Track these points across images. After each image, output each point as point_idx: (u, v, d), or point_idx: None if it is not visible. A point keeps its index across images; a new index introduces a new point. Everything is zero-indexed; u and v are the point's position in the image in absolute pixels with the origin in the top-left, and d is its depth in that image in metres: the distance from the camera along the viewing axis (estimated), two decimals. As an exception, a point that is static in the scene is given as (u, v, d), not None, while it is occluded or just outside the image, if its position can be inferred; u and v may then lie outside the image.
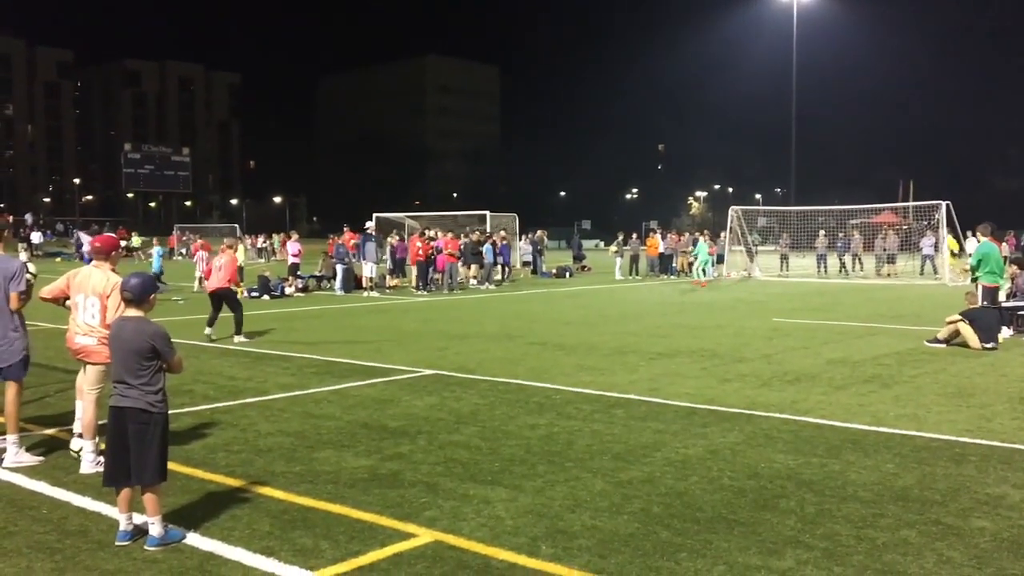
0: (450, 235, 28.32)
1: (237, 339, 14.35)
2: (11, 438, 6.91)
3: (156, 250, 30.40)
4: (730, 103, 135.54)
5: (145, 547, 5.09)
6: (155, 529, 5.16)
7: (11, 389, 6.93)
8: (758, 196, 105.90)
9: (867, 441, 7.62)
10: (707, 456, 7.10)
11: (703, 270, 29.68)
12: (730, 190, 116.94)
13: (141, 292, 5.43)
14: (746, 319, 18.16)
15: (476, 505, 5.87)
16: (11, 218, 59.29)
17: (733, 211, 35.38)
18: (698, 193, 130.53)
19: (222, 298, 14.63)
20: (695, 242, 34.84)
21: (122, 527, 5.23)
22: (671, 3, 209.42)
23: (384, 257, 26.51)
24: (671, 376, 11.05)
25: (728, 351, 13.27)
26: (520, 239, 37.90)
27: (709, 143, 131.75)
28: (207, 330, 14.56)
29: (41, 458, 7.02)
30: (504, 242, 30.41)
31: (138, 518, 5.30)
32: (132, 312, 5.45)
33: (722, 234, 35.51)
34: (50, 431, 7.98)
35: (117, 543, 5.16)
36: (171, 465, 6.65)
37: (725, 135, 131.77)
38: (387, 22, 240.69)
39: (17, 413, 6.98)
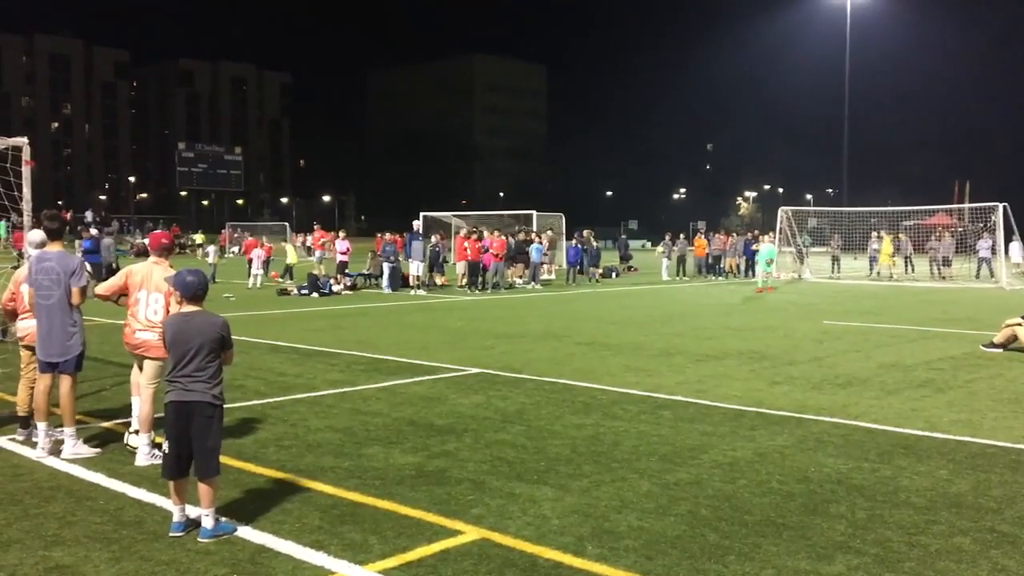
0: (497, 234, 28.37)
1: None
2: (68, 430, 7.09)
3: (211, 249, 31.29)
4: (781, 101, 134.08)
5: (199, 539, 5.20)
6: (208, 521, 5.26)
7: (66, 383, 7.11)
8: (809, 196, 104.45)
9: (920, 446, 7.49)
10: (755, 459, 7.04)
11: (766, 274, 28.67)
12: (780, 190, 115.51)
13: (198, 288, 5.53)
14: (796, 321, 17.94)
15: (522, 504, 5.89)
16: (69, 215, 60.72)
17: (783, 212, 34.95)
18: (747, 193, 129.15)
19: None
20: (746, 244, 34.42)
21: (176, 518, 5.35)
22: (723, 3, 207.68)
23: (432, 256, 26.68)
24: (719, 378, 10.96)
25: (777, 353, 13.13)
26: (569, 239, 37.78)
27: (759, 142, 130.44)
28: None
29: (98, 450, 7.19)
30: (576, 243, 30.32)
31: (190, 510, 5.40)
32: (192, 307, 5.53)
33: (771, 234, 35.07)
34: (106, 424, 8.17)
35: (171, 534, 5.28)
36: (223, 459, 6.79)
37: (775, 134, 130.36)
38: (436, 21, 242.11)
39: (73, 406, 7.15)
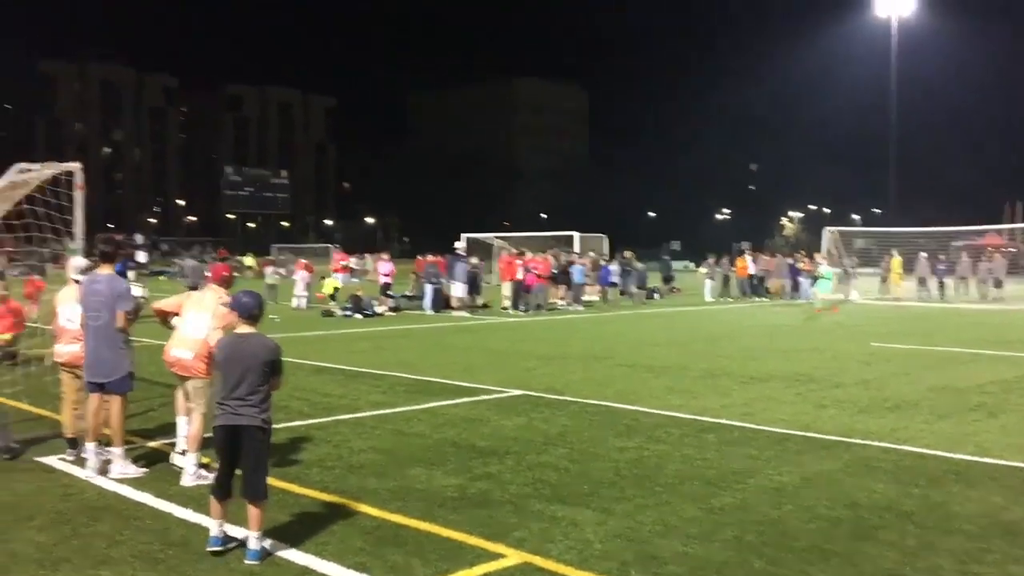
0: (540, 255, 28.36)
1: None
2: (117, 450, 7.20)
3: (269, 269, 32.10)
4: (826, 120, 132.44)
5: (245, 560, 5.23)
6: (256, 543, 5.28)
7: (115, 403, 7.22)
8: (856, 216, 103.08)
9: (972, 472, 7.31)
10: (802, 484, 6.92)
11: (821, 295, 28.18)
12: (826, 210, 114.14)
13: (255, 308, 5.60)
14: (843, 343, 17.66)
15: (564, 527, 5.85)
16: (119, 239, 61.94)
17: (829, 232, 34.51)
18: (792, 213, 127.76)
19: None
20: (791, 265, 34.02)
21: (214, 533, 5.38)
22: (762, 20, 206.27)
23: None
24: (765, 401, 10.82)
25: (824, 376, 12.93)
26: (611, 260, 37.67)
27: (804, 162, 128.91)
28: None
29: (145, 470, 7.29)
30: (605, 263, 30.25)
31: (237, 530, 5.44)
32: (247, 328, 5.57)
33: (816, 255, 34.62)
34: (154, 444, 8.29)
35: (208, 548, 5.32)
36: (269, 479, 6.85)
37: (821, 153, 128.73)
38: (478, 44, 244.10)
39: (122, 426, 7.27)
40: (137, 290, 8.09)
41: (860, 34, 66.39)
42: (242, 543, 5.35)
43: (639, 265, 32.96)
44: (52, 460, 7.64)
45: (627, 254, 34.75)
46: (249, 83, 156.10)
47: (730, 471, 7.32)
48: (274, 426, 8.84)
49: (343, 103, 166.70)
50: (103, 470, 7.14)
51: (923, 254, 34.34)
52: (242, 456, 5.35)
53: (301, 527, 5.84)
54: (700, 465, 7.53)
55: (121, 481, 6.99)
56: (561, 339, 18.84)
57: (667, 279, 37.94)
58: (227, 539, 5.40)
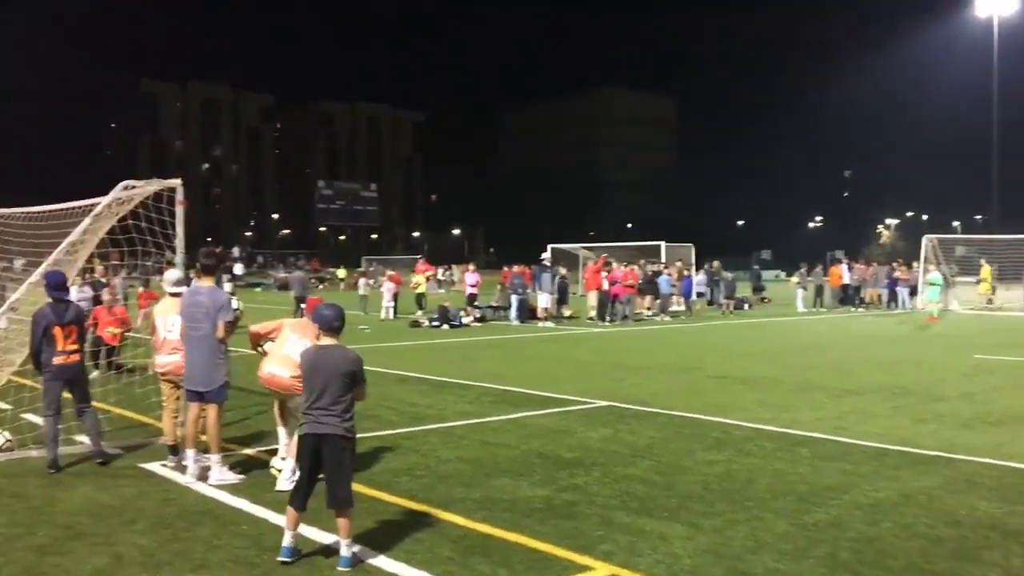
0: (627, 266, 28.19)
1: None
2: (214, 457, 7.43)
3: (362, 281, 32.92)
4: (924, 124, 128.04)
5: (338, 567, 5.32)
6: (347, 551, 5.38)
7: (212, 411, 7.46)
8: (956, 223, 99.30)
9: (1085, 491, 6.95)
10: (900, 501, 6.69)
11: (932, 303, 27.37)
12: (924, 217, 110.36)
13: (335, 320, 5.68)
14: (944, 355, 17.03)
15: (653, 541, 5.78)
16: (218, 251, 64.06)
17: (927, 240, 33.34)
18: (888, 221, 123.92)
19: None
20: (888, 274, 33.05)
21: (287, 543, 5.45)
22: (856, 22, 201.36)
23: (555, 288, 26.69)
24: (860, 414, 10.51)
25: (924, 389, 12.49)
26: (698, 270, 37.19)
27: (900, 167, 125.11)
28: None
29: (242, 476, 7.50)
30: (687, 274, 29.92)
31: (326, 536, 5.55)
32: (329, 340, 5.69)
33: (915, 264, 33.47)
34: (250, 451, 8.53)
35: (280, 559, 5.39)
36: (358, 487, 6.97)
37: (918, 159, 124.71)
38: (564, 56, 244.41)
39: (219, 434, 7.51)
40: (233, 302, 8.35)
41: (959, 34, 64.17)
42: (323, 552, 5.46)
43: (727, 275, 32.43)
44: (154, 466, 7.94)
45: (714, 264, 34.24)
46: (340, 99, 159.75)
47: (824, 486, 7.13)
48: (365, 435, 9.05)
49: (431, 117, 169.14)
50: (202, 476, 7.39)
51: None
52: (325, 465, 5.45)
53: (390, 535, 5.92)
54: (793, 480, 7.35)
55: (219, 487, 7.21)
56: (648, 350, 18.67)
57: (757, 289, 37.25)
58: (297, 551, 5.48)
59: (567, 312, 27.59)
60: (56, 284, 8.03)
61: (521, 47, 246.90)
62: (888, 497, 6.79)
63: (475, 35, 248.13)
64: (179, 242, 9.04)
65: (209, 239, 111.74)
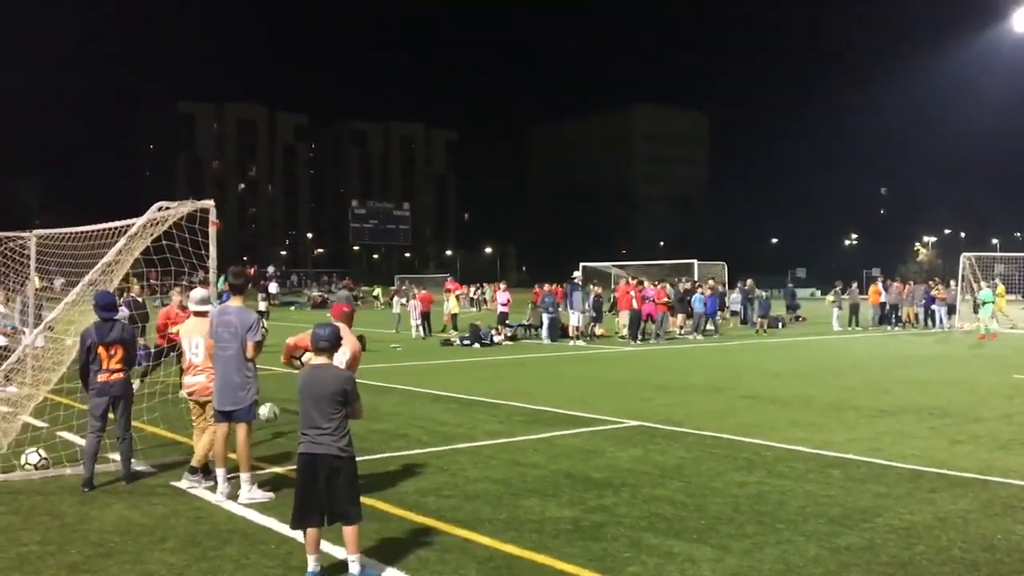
0: (659, 284, 28.07)
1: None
2: (244, 476, 7.49)
3: (396, 299, 33.24)
4: (961, 141, 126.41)
5: None
6: (355, 567, 5.43)
7: (242, 430, 7.52)
8: (995, 241, 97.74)
9: None
10: (935, 524, 6.57)
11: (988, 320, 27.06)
12: (962, 235, 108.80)
13: (321, 341, 5.74)
14: (982, 375, 16.74)
15: (680, 563, 5.73)
16: (253, 271, 64.75)
17: (965, 258, 32.87)
18: (926, 238, 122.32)
19: None
20: (925, 292, 32.62)
21: (311, 568, 5.46)
22: (891, 37, 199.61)
23: (588, 306, 26.61)
24: (895, 435, 10.34)
25: (960, 409, 12.27)
26: (733, 288, 36.95)
27: (937, 185, 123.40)
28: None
29: (271, 495, 7.54)
30: (712, 292, 29.72)
31: (339, 551, 5.56)
32: (322, 360, 5.75)
33: (952, 282, 33.00)
34: (279, 469, 8.57)
35: None
36: (386, 507, 7.00)
37: (955, 176, 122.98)
38: (594, 73, 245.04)
39: (248, 452, 7.56)
40: (264, 323, 8.41)
41: (997, 50, 63.43)
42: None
43: (761, 293, 32.18)
44: (185, 484, 8.00)
45: (748, 282, 34.02)
46: (374, 119, 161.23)
47: (857, 509, 7.02)
48: (393, 454, 9.10)
49: (463, 136, 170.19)
50: (232, 495, 7.44)
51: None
52: (324, 483, 5.45)
53: (417, 554, 5.91)
54: (825, 502, 7.25)
55: (248, 506, 7.25)
56: (680, 369, 18.55)
57: (791, 307, 36.91)
58: (324, 572, 5.50)
59: (599, 331, 27.49)
60: (104, 304, 8.15)
61: (554, 63, 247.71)
62: (922, 520, 6.67)
63: (507, 52, 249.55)
64: (212, 262, 9.14)
65: (244, 258, 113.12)
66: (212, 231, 9.05)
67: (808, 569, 5.61)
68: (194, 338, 8.02)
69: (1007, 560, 5.74)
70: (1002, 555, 5.84)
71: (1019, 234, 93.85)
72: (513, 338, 26.47)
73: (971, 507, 7.05)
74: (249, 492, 7.44)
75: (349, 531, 5.46)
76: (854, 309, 32.59)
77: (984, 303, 27.33)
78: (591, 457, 9.15)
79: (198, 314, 8.23)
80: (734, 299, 34.99)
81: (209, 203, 9.18)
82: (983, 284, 28.40)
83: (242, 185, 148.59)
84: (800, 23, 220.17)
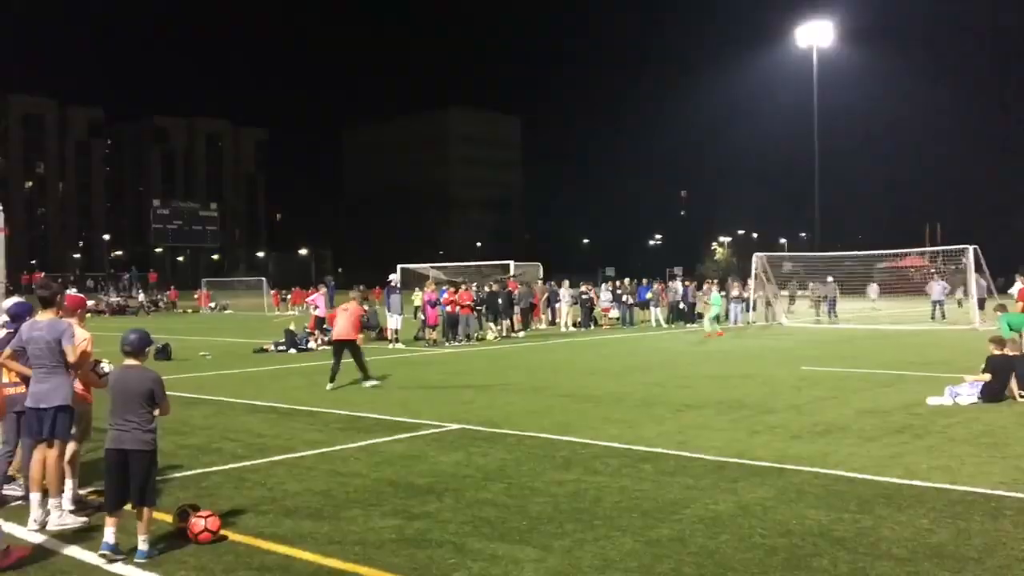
0: (463, 287, 28.29)
1: (368, 384, 15.40)
2: (52, 501, 6.97)
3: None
4: (753, 147, 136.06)
5: (135, 559, 5.95)
6: (144, 544, 6.06)
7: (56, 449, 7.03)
8: (783, 241, 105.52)
9: (900, 495, 7.50)
10: (738, 512, 7.02)
11: (715, 320, 29.09)
12: (755, 235, 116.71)
13: (139, 345, 6.30)
14: (774, 368, 18.02)
15: (505, 566, 5.83)
16: (42, 276, 60.11)
17: (757, 257, 35.29)
18: (722, 238, 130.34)
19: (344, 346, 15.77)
20: (673, 288, 34.81)
21: (109, 540, 6.04)
22: (691, 52, 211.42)
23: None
24: (699, 428, 10.96)
25: (756, 401, 13.16)
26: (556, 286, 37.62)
27: (732, 188, 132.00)
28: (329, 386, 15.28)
29: (85, 519, 7.03)
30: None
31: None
32: (132, 362, 6.28)
33: (748, 280, 35.34)
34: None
35: (101, 552, 6.03)
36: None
37: (749, 179, 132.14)
38: (410, 75, 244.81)
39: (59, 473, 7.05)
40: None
41: (785, 64, 68.50)
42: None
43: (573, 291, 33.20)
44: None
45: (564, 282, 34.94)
46: (176, 114, 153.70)
47: (667, 501, 7.39)
48: (205, 470, 8.75)
49: (274, 133, 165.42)
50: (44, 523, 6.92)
51: (829, 278, 35.49)
52: (130, 472, 6.08)
53: (236, 575, 5.71)
54: (637, 496, 7.58)
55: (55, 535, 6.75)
56: (497, 369, 18.83)
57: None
58: (117, 548, 6.05)
59: (433, 335, 26.98)
60: None
61: (368, 63, 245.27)
62: (727, 509, 7.11)
63: (318, 50, 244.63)
64: (0, 272, 8.45)
65: (33, 262, 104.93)
66: (0, 238, 8.37)
67: (624, 563, 5.85)
68: None
69: (801, 544, 6.21)
70: (797, 539, 6.32)
71: (804, 234, 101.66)
72: (330, 343, 25.93)
73: (769, 494, 7.58)
74: (60, 518, 6.94)
75: (147, 514, 6.12)
76: (672, 307, 34.30)
77: (714, 305, 29.34)
78: (414, 463, 9.13)
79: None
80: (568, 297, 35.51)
81: (-5, 208, 8.48)
82: (713, 289, 30.52)
83: (29, 183, 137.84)
84: (607, 35, 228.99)
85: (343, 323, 16.02)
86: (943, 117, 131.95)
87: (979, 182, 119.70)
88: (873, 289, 41.48)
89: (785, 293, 37.95)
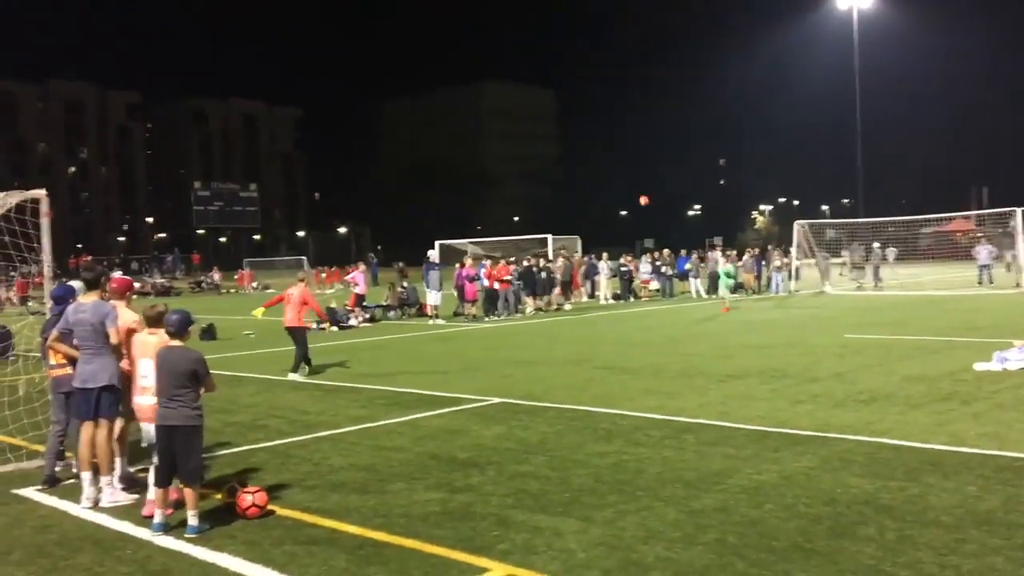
0: (502, 262, 28.29)
1: (291, 376, 14.28)
2: (106, 479, 7.15)
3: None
4: (793, 113, 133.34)
5: (185, 535, 6.08)
6: (194, 520, 6.19)
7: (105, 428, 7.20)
8: (825, 208, 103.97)
9: (947, 462, 7.41)
10: (781, 482, 6.99)
11: (728, 291, 28.64)
12: (796, 203, 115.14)
13: (180, 326, 6.49)
14: (816, 336, 17.83)
15: (547, 537, 5.87)
16: (88, 259, 61.21)
17: (798, 225, 34.83)
18: (762, 207, 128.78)
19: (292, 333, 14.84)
20: (756, 260, 34.33)
21: (159, 520, 6.27)
22: (728, 17, 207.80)
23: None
24: (741, 398, 10.90)
25: (799, 370, 13.05)
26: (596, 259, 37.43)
27: (772, 155, 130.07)
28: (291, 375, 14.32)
29: (135, 496, 7.21)
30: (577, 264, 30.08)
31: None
32: (176, 342, 6.48)
33: (791, 248, 34.90)
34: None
35: (153, 532, 6.20)
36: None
37: (789, 146, 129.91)
38: (445, 49, 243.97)
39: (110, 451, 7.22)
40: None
41: (824, 27, 67.23)
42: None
43: (611, 264, 33.08)
44: (29, 492, 7.56)
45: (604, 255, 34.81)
46: (213, 96, 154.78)
47: (710, 472, 7.38)
48: (252, 446, 8.89)
49: (310, 112, 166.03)
50: (96, 500, 7.10)
51: (876, 244, 34.76)
52: (176, 449, 6.29)
53: (284, 549, 5.82)
54: (680, 467, 7.58)
55: (103, 510, 6.93)
56: (538, 343, 18.86)
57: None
58: (168, 526, 6.28)
59: (472, 311, 27.04)
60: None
61: (401, 38, 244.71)
62: (770, 479, 7.08)
63: (352, 27, 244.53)
64: (46, 256, 8.62)
65: (79, 246, 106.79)
66: (45, 222, 8.52)
67: (668, 533, 5.86)
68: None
69: (846, 512, 6.17)
70: (842, 508, 6.28)
71: (847, 200, 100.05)
72: (372, 320, 26.19)
73: (812, 464, 7.53)
74: (112, 495, 7.12)
75: (193, 491, 6.27)
76: (712, 278, 33.97)
77: (727, 276, 28.90)
78: (456, 437, 9.21)
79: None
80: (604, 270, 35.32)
81: (41, 193, 8.63)
82: (724, 260, 29.92)
83: (72, 168, 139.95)
84: (643, 3, 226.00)
85: (287, 311, 14.81)
86: (988, 78, 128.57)
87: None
88: (890, 252, 40.12)
89: (838, 260, 37.18)
